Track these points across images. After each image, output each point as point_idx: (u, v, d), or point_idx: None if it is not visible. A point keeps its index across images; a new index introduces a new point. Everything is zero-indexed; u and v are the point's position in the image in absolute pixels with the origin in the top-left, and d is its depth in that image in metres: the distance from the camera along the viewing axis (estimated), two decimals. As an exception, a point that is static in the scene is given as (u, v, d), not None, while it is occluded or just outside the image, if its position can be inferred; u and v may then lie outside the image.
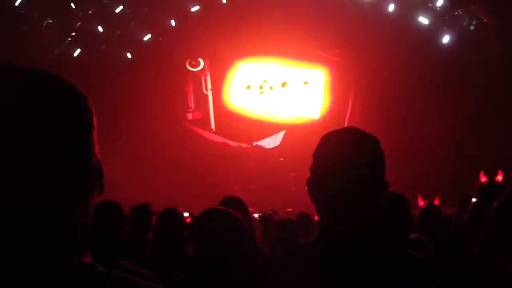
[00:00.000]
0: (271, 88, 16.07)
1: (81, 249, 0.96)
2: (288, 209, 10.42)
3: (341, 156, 1.50)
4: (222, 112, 16.68)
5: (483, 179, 5.96)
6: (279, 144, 15.66)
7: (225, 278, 2.32)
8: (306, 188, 1.56)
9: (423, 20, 13.67)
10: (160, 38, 15.95)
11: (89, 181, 0.98)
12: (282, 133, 15.76)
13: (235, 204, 3.37)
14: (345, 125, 12.67)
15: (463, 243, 3.29)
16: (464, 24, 13.17)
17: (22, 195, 0.88)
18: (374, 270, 1.44)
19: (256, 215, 7.03)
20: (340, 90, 15.27)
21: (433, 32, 13.69)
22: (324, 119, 15.06)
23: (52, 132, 0.92)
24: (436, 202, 7.21)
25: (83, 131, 0.98)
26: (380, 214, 1.53)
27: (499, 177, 6.96)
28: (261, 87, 16.19)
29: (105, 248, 2.80)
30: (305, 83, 15.73)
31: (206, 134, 16.58)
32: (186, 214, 6.52)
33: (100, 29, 15.16)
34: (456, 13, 13.30)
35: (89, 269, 0.94)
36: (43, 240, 0.90)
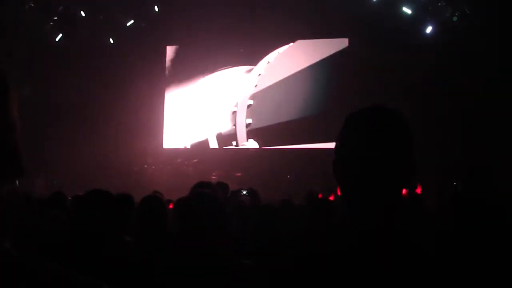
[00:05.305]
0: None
1: None
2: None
3: (367, 136, 1.43)
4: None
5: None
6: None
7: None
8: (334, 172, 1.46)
9: (407, 10, 13.71)
10: (143, 24, 15.79)
11: None
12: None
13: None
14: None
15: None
16: (447, 15, 13.23)
17: None
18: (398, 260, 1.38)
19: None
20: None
21: (416, 22, 13.74)
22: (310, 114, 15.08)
23: None
24: (418, 190, 7.28)
25: None
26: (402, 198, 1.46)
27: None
28: None
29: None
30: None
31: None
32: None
33: (83, 13, 14.96)
34: (439, 4, 13.36)
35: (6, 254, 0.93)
36: None
